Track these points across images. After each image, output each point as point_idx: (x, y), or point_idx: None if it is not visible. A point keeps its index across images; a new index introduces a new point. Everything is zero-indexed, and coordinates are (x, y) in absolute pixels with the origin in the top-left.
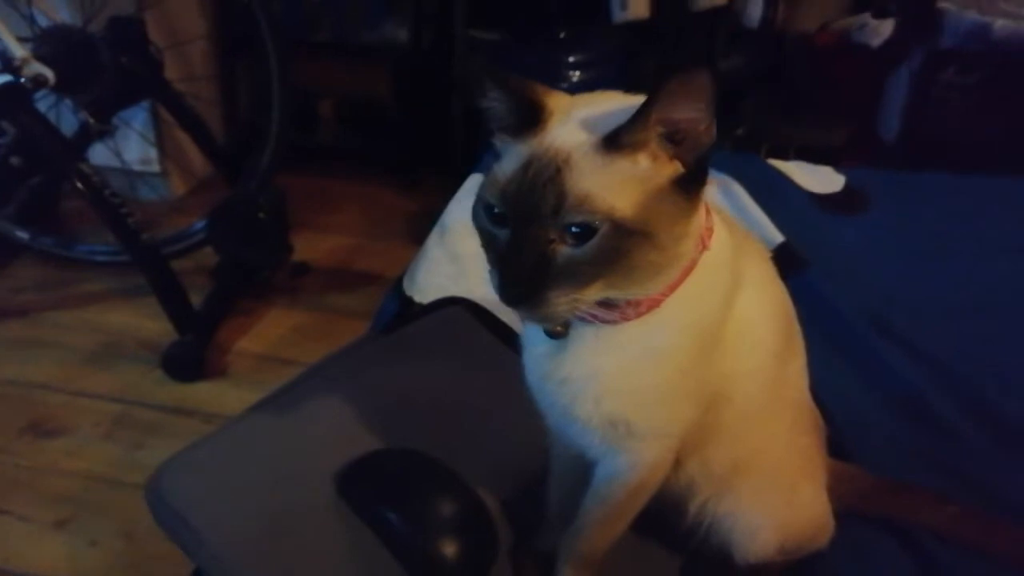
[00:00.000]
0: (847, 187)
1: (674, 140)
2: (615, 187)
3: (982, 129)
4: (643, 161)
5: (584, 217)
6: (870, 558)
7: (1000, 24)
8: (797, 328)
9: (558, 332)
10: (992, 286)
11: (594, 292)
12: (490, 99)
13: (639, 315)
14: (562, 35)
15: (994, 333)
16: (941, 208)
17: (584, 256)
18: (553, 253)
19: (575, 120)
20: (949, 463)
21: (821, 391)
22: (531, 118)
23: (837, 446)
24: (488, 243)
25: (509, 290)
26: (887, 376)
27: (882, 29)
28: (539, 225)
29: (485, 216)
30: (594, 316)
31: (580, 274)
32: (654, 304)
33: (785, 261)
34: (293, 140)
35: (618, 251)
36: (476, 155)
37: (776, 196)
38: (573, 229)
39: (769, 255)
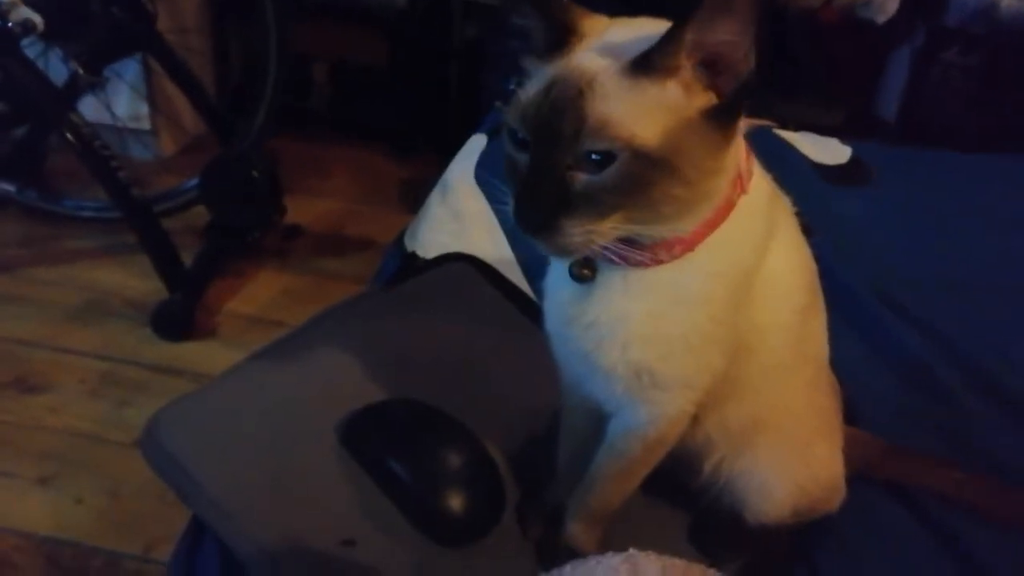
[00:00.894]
0: (853, 159)
1: (710, 68)
2: (639, 113)
3: (981, 110)
4: (673, 88)
5: (602, 143)
6: (877, 522)
7: (1007, 3)
8: (819, 287)
9: (584, 275)
10: (994, 262)
11: (613, 225)
12: (523, 16)
13: (673, 258)
14: None
15: (997, 308)
16: (945, 183)
17: (602, 184)
18: (571, 179)
19: (606, 43)
20: (955, 431)
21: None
22: (561, 39)
23: (845, 411)
24: (510, 170)
25: (525, 215)
26: (893, 346)
27: (888, 6)
28: (558, 149)
29: (509, 141)
30: (623, 257)
31: (599, 203)
32: (688, 247)
33: None
34: (287, 103)
35: (639, 181)
36: (473, 123)
37: (782, 165)
38: (592, 156)
39: (794, 211)
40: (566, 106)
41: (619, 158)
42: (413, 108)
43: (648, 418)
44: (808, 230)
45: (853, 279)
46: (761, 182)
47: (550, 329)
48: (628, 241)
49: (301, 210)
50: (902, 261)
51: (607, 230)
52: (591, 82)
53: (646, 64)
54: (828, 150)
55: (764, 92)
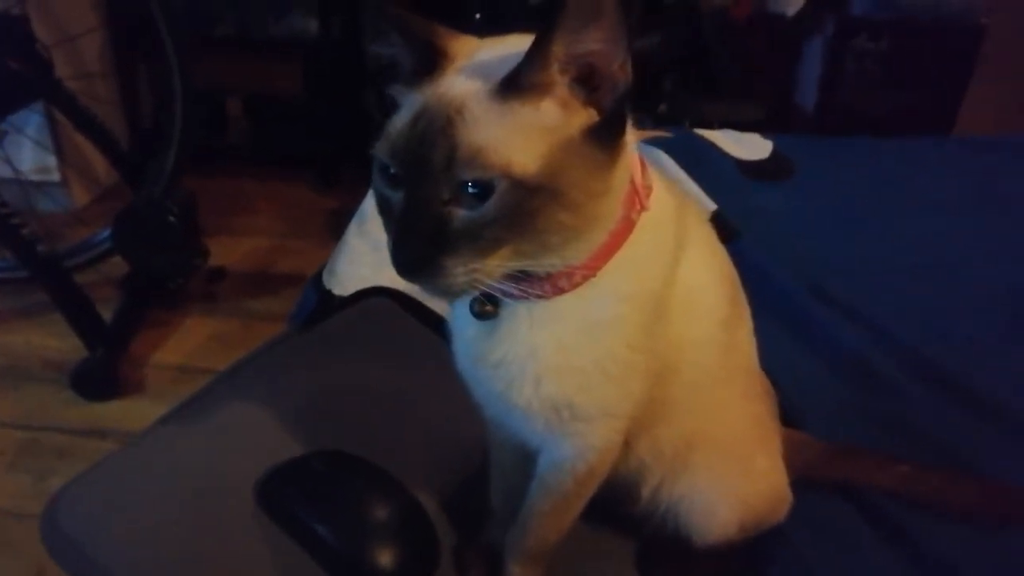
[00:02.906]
0: (775, 153)
1: (587, 84)
2: (514, 139)
3: (895, 93)
4: (549, 108)
5: (477, 173)
6: (828, 527)
7: None
8: (742, 293)
9: (487, 311)
10: (921, 245)
11: (500, 260)
12: (386, 44)
13: (575, 286)
14: (478, 16)
15: (927, 290)
16: (866, 171)
17: (483, 218)
18: (449, 215)
19: (475, 64)
20: (896, 422)
21: (764, 360)
22: (429, 63)
23: (784, 413)
24: (384, 208)
25: (402, 257)
26: (828, 340)
27: None
28: (431, 183)
29: (380, 178)
30: (523, 291)
31: (481, 239)
32: (589, 273)
33: (718, 230)
34: (202, 141)
35: (521, 212)
36: None
37: (704, 165)
38: (469, 188)
39: (707, 218)
40: (436, 136)
41: (497, 189)
42: (333, 136)
43: (575, 452)
44: (734, 232)
45: (783, 275)
46: (663, 195)
47: (461, 368)
48: (519, 275)
49: (225, 250)
50: (829, 251)
51: (492, 267)
52: (460, 108)
53: (516, 84)
54: (750, 146)
55: (684, 94)
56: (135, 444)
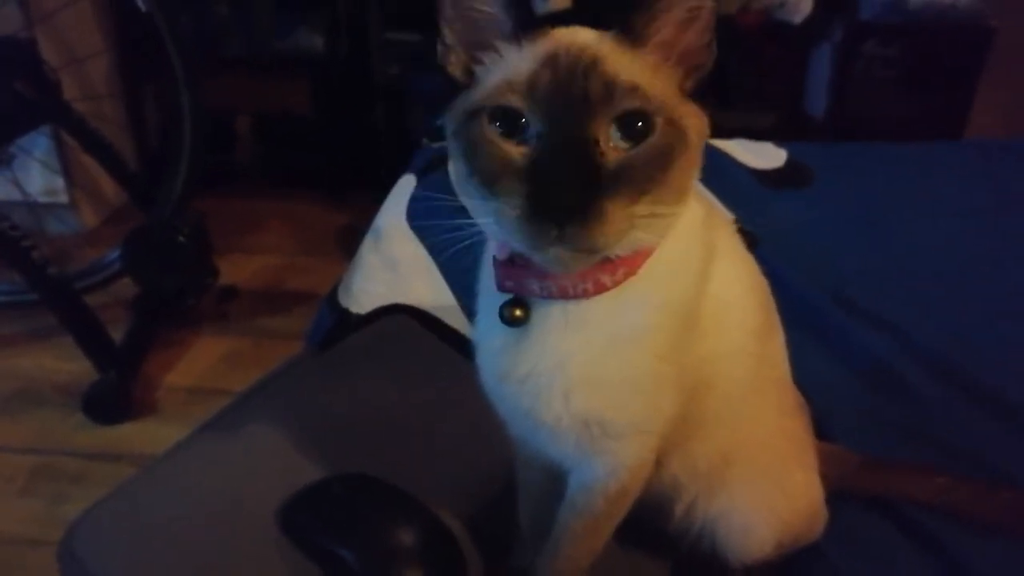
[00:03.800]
0: (790, 161)
1: (678, 63)
2: (652, 77)
3: (906, 98)
4: (659, 60)
5: (639, 103)
6: (866, 543)
7: None
8: (773, 302)
9: (517, 317)
10: (940, 249)
11: (645, 207)
12: (483, 3)
13: (615, 283)
14: None
15: (948, 295)
16: (883, 176)
17: (642, 156)
18: (604, 156)
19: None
20: (926, 431)
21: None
22: (533, 24)
23: (815, 427)
24: (499, 167)
25: (555, 204)
26: (853, 349)
27: (802, 6)
28: (587, 120)
29: (490, 130)
30: (562, 289)
31: (636, 180)
32: (630, 271)
33: None
34: (211, 161)
35: (669, 155)
36: (405, 161)
37: (720, 175)
38: (625, 125)
39: (735, 228)
40: (586, 72)
41: (656, 125)
42: (342, 152)
43: (606, 470)
44: (754, 240)
45: (805, 284)
46: (691, 203)
47: (486, 384)
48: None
49: (237, 269)
50: (850, 258)
51: (643, 215)
52: (598, 51)
53: (633, 29)
54: (764, 155)
55: (696, 101)
56: (152, 470)
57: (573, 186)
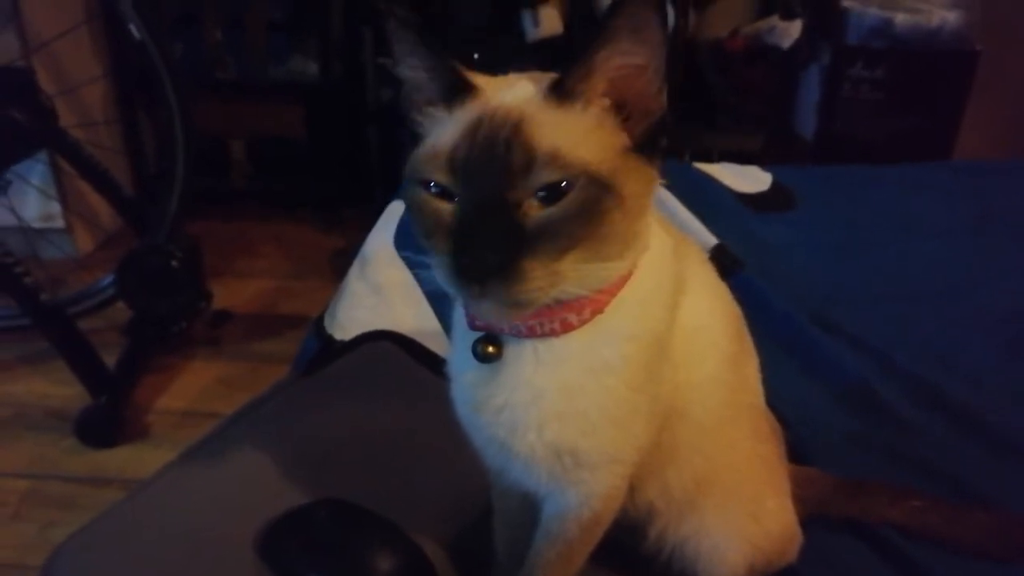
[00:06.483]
0: (775, 185)
1: (620, 112)
2: (583, 139)
3: (893, 120)
4: (598, 114)
5: (559, 173)
6: (842, 565)
7: (900, 18)
8: (747, 330)
9: (490, 354)
10: (923, 271)
11: (570, 264)
12: (412, 67)
13: (583, 322)
14: (476, 56)
15: (929, 317)
16: (866, 199)
17: (561, 215)
18: (524, 217)
19: (511, 85)
20: (904, 452)
21: (768, 391)
22: (459, 89)
23: (792, 448)
24: (433, 226)
25: (474, 264)
26: (833, 370)
27: (791, 30)
28: (505, 187)
29: (423, 195)
30: (530, 329)
31: (557, 239)
32: (597, 309)
33: (721, 263)
34: (205, 185)
35: (594, 210)
36: (396, 186)
37: (705, 199)
38: (541, 191)
39: (707, 257)
40: (507, 141)
41: (576, 185)
42: (335, 176)
43: (579, 499)
44: (738, 263)
45: (786, 305)
46: (661, 234)
47: (461, 414)
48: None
49: (230, 293)
50: (833, 281)
51: (567, 270)
52: (522, 115)
53: (564, 88)
54: (749, 178)
55: (682, 126)
56: (135, 495)
57: (492, 246)
